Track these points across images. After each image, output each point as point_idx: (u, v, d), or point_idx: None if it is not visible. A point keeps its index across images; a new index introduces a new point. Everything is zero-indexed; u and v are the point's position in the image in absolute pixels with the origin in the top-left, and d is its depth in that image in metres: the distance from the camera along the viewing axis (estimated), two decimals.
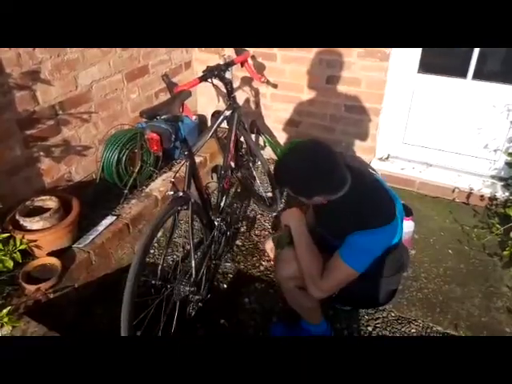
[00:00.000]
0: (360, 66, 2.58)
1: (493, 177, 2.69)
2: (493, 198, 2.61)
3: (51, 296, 1.79)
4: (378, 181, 1.51)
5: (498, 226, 2.30)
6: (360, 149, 2.90)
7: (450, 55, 2.63)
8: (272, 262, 1.86)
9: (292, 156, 1.41)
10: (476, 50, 2.40)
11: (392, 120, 2.77)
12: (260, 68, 2.85)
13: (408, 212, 2.26)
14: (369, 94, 2.67)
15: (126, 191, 2.36)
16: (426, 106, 2.69)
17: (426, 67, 2.58)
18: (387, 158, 2.91)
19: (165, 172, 2.66)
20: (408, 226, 2.25)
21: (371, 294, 1.61)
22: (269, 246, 1.86)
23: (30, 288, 1.75)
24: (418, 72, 2.59)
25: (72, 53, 2.12)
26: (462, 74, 2.50)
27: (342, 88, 2.72)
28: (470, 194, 2.66)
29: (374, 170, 1.65)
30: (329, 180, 1.35)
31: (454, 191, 2.69)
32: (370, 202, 1.42)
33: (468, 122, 2.62)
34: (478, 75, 2.48)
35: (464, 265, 2.27)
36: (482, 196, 2.63)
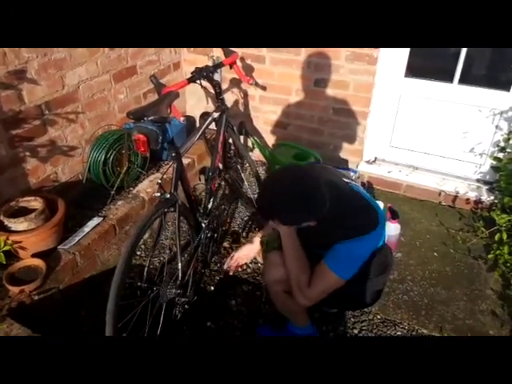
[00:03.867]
0: (348, 70, 2.60)
1: (478, 180, 2.73)
2: (478, 202, 2.65)
3: (35, 298, 1.76)
4: (354, 190, 1.51)
5: (482, 229, 2.33)
6: (347, 151, 2.92)
7: (436, 60, 2.67)
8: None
9: (272, 190, 1.38)
10: (462, 55, 2.44)
11: (379, 123, 2.80)
12: (249, 70, 2.85)
13: (394, 215, 2.30)
14: (356, 98, 2.69)
15: (112, 192, 2.34)
16: (413, 110, 2.72)
17: (412, 71, 2.61)
18: (374, 161, 2.93)
19: (152, 173, 2.64)
20: (394, 228, 2.29)
21: (357, 295, 1.62)
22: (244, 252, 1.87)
23: (14, 289, 1.73)
24: (405, 76, 2.62)
25: (59, 52, 2.10)
26: (449, 78, 2.54)
27: (330, 91, 2.74)
28: (455, 198, 2.70)
29: (351, 179, 1.66)
30: (313, 204, 1.32)
31: (440, 194, 2.73)
32: (351, 213, 1.43)
33: (454, 126, 2.66)
34: (464, 80, 2.51)
35: (449, 268, 2.30)
36: (467, 199, 2.67)
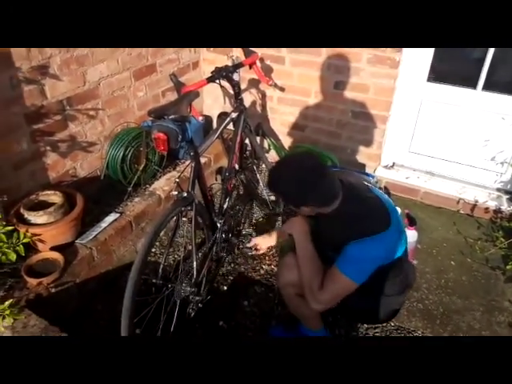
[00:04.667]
0: (369, 73, 2.58)
1: (499, 189, 2.68)
2: (498, 211, 2.60)
3: (52, 290, 1.79)
4: (372, 193, 1.50)
5: (502, 239, 2.29)
6: (365, 156, 2.89)
7: (460, 65, 2.62)
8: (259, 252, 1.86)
9: (281, 165, 1.47)
10: (487, 61, 2.39)
11: (399, 128, 2.76)
12: (268, 70, 2.85)
13: (412, 221, 2.27)
14: (376, 101, 2.66)
15: (129, 189, 2.36)
16: (434, 115, 2.68)
17: (435, 76, 2.57)
18: (392, 166, 2.90)
19: (169, 171, 2.66)
20: (411, 235, 2.26)
21: (372, 310, 1.59)
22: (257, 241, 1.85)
23: (32, 281, 1.75)
24: (428, 81, 2.58)
25: (81, 49, 2.13)
26: (472, 84, 2.49)
27: (349, 94, 2.71)
28: (474, 206, 2.65)
29: (370, 183, 1.64)
30: (313, 191, 1.36)
31: (458, 202, 2.68)
32: (362, 212, 1.42)
33: (476, 133, 2.61)
34: (487, 86, 2.47)
35: (466, 277, 2.26)
36: (486, 208, 2.62)
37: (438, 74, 2.57)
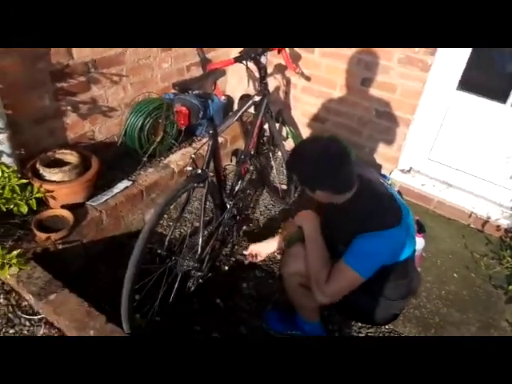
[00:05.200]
0: (398, 73, 2.53)
1: None
2: (509, 231, 2.56)
3: (59, 247, 1.82)
4: (387, 191, 1.49)
5: (509, 258, 2.26)
6: (383, 157, 2.86)
7: (492, 77, 2.56)
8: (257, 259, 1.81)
9: (306, 145, 1.47)
10: None
11: (421, 133, 2.72)
12: (296, 58, 2.81)
13: (421, 228, 2.24)
14: (402, 103, 2.62)
15: (144, 159, 2.38)
16: (459, 125, 2.63)
17: (465, 85, 2.52)
18: (409, 171, 2.87)
19: (184, 147, 2.66)
20: (418, 242, 2.23)
21: (371, 311, 1.58)
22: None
23: (41, 235, 1.79)
24: (457, 89, 2.53)
25: None
26: (503, 99, 2.43)
27: (375, 92, 2.67)
28: (486, 222, 2.61)
29: (389, 184, 1.63)
30: (333, 177, 1.35)
31: (470, 216, 2.65)
32: (374, 206, 1.41)
33: (498, 149, 2.56)
34: None
35: (467, 291, 2.24)
36: (498, 226, 2.58)
37: (469, 84, 2.51)
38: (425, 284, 2.25)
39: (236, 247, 2.32)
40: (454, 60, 2.43)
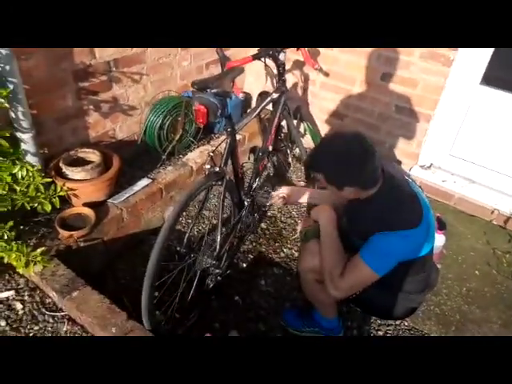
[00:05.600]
0: (419, 68, 2.49)
1: None
2: None
3: (82, 244, 1.86)
4: (409, 187, 1.47)
5: None
6: (403, 153, 2.82)
7: None
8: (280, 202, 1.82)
9: (331, 141, 1.43)
10: None
11: (442, 129, 2.67)
12: (314, 53, 2.79)
13: (442, 225, 2.22)
14: (423, 98, 2.58)
15: (163, 157, 2.41)
16: (482, 120, 2.57)
17: (489, 80, 2.46)
18: (429, 167, 2.82)
19: (203, 144, 2.68)
20: (439, 239, 2.22)
21: (389, 305, 1.58)
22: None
23: (64, 233, 1.83)
24: (481, 84, 2.47)
25: None
26: None
27: (395, 87, 2.64)
28: (508, 218, 2.56)
29: (411, 179, 1.61)
30: (361, 172, 1.33)
31: (492, 212, 2.60)
32: (396, 204, 1.39)
33: None
34: None
35: (488, 288, 2.21)
36: None
37: (492, 78, 2.45)
38: (446, 281, 2.23)
39: (254, 244, 2.34)
40: (477, 55, 2.37)
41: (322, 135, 3.07)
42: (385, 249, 1.37)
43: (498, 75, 2.47)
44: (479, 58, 2.39)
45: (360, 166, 1.32)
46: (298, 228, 1.82)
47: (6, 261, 1.61)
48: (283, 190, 1.85)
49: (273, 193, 1.83)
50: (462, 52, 2.37)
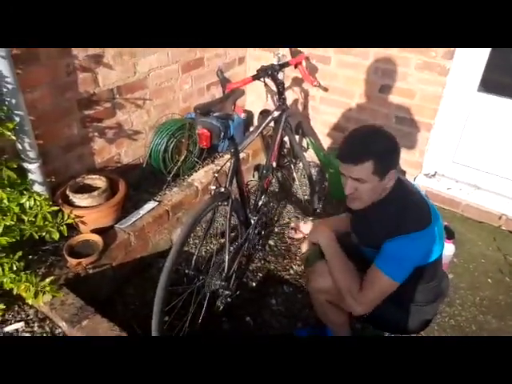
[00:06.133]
0: (416, 78, 2.52)
1: None
2: None
3: (90, 271, 1.87)
4: (417, 190, 1.48)
5: None
6: (406, 163, 2.83)
7: None
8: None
9: (369, 130, 1.43)
10: None
11: (443, 137, 2.68)
12: (313, 70, 2.83)
13: (450, 234, 2.20)
14: (422, 108, 2.60)
15: (169, 178, 2.43)
16: (483, 127, 2.58)
17: (487, 86, 2.47)
18: (434, 176, 2.82)
19: (207, 164, 2.71)
20: (448, 248, 2.20)
21: (402, 319, 1.56)
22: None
23: (72, 261, 1.84)
24: (478, 91, 2.49)
25: None
26: None
27: (394, 98, 2.66)
28: None
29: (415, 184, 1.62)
30: (398, 153, 1.37)
31: (500, 218, 2.58)
32: (405, 207, 1.39)
33: None
34: None
35: (503, 296, 2.18)
36: None
37: (490, 85, 2.47)
38: (458, 291, 2.20)
39: (262, 262, 2.33)
40: (472, 62, 2.40)
41: (325, 148, 3.09)
42: (400, 254, 1.36)
43: (494, 81, 2.49)
44: (475, 65, 2.41)
45: (396, 146, 1.36)
46: (303, 248, 1.81)
47: (15, 292, 1.61)
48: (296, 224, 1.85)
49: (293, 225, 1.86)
50: (458, 61, 2.39)
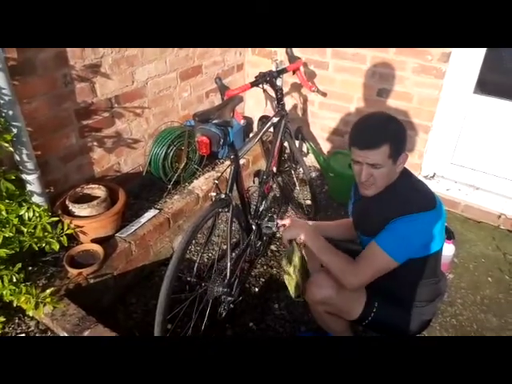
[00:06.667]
0: (413, 82, 2.53)
1: None
2: None
3: (91, 281, 1.86)
4: (419, 179, 1.52)
5: None
6: (406, 164, 2.82)
7: (508, 78, 2.53)
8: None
9: (382, 115, 1.46)
10: None
11: (441, 138, 2.69)
12: (311, 75, 2.84)
13: (450, 235, 2.21)
14: (419, 111, 2.61)
15: (169, 186, 2.43)
16: (480, 128, 2.59)
17: (482, 88, 2.49)
18: (433, 177, 2.83)
19: (208, 171, 2.71)
20: (448, 249, 2.21)
21: (403, 322, 1.55)
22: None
23: (73, 271, 1.83)
24: (474, 92, 2.50)
25: (132, 49, 2.20)
26: None
27: (392, 102, 2.67)
28: None
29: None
30: (407, 139, 1.43)
31: (499, 217, 2.59)
32: (411, 188, 1.43)
33: None
34: None
35: (503, 295, 2.18)
36: None
37: (486, 86, 2.49)
38: (459, 290, 2.21)
39: (265, 267, 2.33)
40: (468, 65, 2.41)
41: (326, 153, 3.10)
42: (401, 233, 1.36)
43: (490, 83, 2.51)
44: (470, 68, 2.43)
45: (406, 136, 1.42)
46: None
47: (15, 304, 1.60)
48: (286, 221, 1.77)
49: (278, 221, 1.82)
50: (453, 64, 2.41)
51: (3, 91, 1.61)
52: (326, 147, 3.11)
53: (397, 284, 1.48)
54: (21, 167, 1.79)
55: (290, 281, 1.59)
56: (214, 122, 1.56)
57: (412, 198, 1.40)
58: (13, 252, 1.63)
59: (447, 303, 2.12)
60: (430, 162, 2.80)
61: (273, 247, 2.48)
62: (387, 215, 1.39)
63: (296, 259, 1.57)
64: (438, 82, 2.47)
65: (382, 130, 1.38)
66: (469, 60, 2.39)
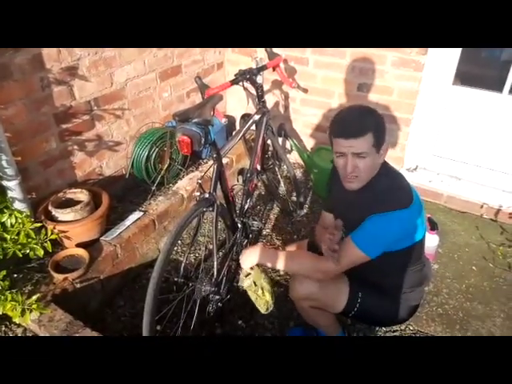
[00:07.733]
0: (393, 75, 2.56)
1: None
2: None
3: (78, 286, 1.85)
4: (400, 175, 1.52)
5: None
6: (388, 158, 2.73)
7: (487, 68, 2.57)
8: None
9: (362, 107, 1.48)
10: None
11: (422, 131, 2.73)
12: (291, 72, 2.85)
13: (433, 226, 2.24)
14: (400, 104, 2.64)
15: (153, 188, 2.42)
16: (459, 119, 2.63)
17: (461, 79, 2.53)
18: (415, 169, 2.87)
19: (192, 171, 2.70)
20: (432, 239, 2.24)
21: (391, 310, 1.58)
22: None
23: (59, 277, 1.82)
24: (453, 84, 2.54)
25: (109, 50, 2.18)
26: (499, 88, 2.44)
27: (373, 96, 2.70)
28: (498, 211, 2.60)
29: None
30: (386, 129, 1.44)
31: (482, 207, 2.64)
32: (388, 187, 1.43)
33: (502, 138, 2.56)
34: None
35: (487, 283, 2.23)
36: (510, 213, 2.57)
37: (464, 78, 2.53)
38: (445, 280, 2.24)
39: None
40: (446, 57, 2.45)
41: (309, 149, 3.12)
42: (376, 231, 1.39)
43: (468, 74, 2.55)
44: (448, 60, 2.46)
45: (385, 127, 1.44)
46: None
47: (0, 312, 1.58)
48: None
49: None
50: (432, 56, 2.44)
51: None
52: (309, 143, 3.12)
53: (381, 274, 1.50)
54: (1, 174, 1.76)
55: (259, 300, 1.68)
56: (194, 121, 1.55)
57: (387, 196, 1.41)
58: None
59: (433, 293, 2.16)
60: (412, 154, 2.83)
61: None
62: (364, 213, 1.41)
63: (262, 281, 1.66)
64: (417, 75, 2.50)
65: (365, 118, 1.40)
66: (447, 52, 2.42)
